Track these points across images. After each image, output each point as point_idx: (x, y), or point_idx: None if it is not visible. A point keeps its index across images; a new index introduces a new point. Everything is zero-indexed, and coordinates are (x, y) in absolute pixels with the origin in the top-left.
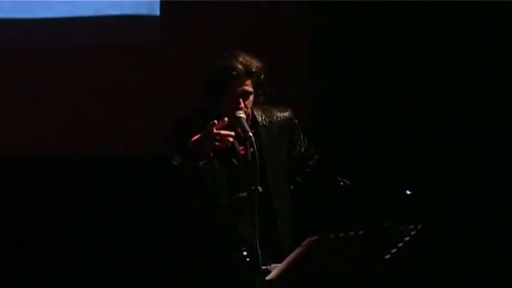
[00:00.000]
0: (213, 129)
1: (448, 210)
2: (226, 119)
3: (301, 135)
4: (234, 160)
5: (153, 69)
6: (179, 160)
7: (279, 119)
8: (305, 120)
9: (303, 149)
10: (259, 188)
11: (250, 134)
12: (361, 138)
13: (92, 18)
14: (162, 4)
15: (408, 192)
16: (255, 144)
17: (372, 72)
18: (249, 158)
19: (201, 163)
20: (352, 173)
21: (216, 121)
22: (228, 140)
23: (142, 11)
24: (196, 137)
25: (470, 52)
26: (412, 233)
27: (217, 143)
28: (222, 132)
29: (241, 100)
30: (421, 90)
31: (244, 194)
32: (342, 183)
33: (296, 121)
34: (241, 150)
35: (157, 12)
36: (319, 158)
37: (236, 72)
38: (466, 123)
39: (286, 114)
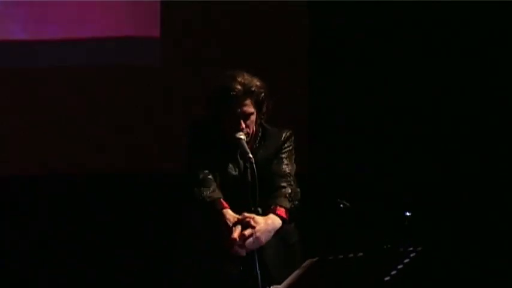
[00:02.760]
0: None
1: (448, 231)
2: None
3: (284, 155)
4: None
5: (153, 89)
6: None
7: (275, 139)
8: (304, 127)
9: (277, 167)
10: (259, 209)
11: (250, 155)
12: (362, 144)
13: (91, 39)
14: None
15: (407, 213)
16: (254, 166)
17: (374, 76)
18: (249, 179)
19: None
20: (352, 186)
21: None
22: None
23: (143, 32)
24: (229, 217)
25: (473, 53)
26: (412, 254)
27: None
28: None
29: (241, 121)
30: (425, 94)
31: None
32: (341, 205)
33: (287, 144)
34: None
35: (157, 34)
36: (293, 181)
37: (234, 93)
38: (471, 135)
39: (281, 134)
